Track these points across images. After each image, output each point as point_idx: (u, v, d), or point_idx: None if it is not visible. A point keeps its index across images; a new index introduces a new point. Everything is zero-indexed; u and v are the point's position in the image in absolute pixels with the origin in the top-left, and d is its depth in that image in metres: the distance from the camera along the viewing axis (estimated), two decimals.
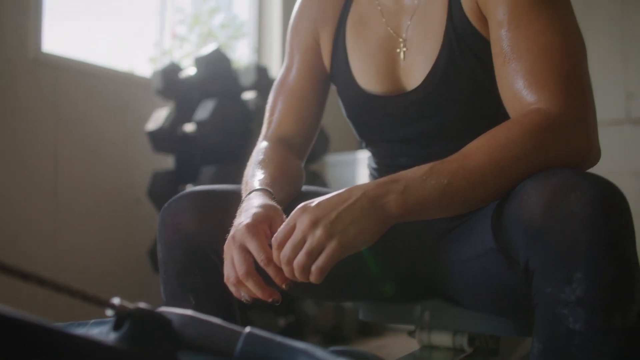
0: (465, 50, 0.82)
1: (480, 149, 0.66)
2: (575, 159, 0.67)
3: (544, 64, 0.70)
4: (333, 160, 3.11)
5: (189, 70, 2.32)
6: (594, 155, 0.69)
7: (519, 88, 0.71)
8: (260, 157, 0.88)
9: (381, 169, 0.99)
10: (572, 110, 0.67)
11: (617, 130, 3.08)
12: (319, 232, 0.61)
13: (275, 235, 0.65)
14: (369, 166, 1.04)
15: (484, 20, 0.79)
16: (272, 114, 0.98)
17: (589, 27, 3.17)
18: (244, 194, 0.79)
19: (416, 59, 0.87)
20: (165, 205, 0.85)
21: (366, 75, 0.92)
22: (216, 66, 2.23)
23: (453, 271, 0.84)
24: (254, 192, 0.76)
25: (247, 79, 2.32)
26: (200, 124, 2.11)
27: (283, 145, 0.93)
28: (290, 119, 0.96)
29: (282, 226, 0.65)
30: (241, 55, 3.53)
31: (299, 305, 2.26)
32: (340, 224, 0.61)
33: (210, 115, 2.09)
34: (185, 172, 2.27)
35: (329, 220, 0.61)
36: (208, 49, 2.30)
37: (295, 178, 0.90)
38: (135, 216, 2.45)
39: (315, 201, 0.65)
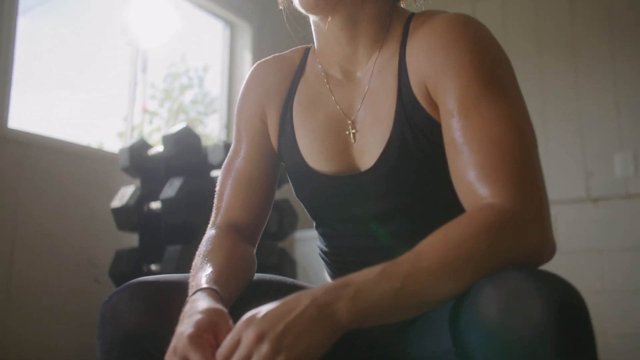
0: (416, 132, 0.81)
1: (434, 249, 0.64)
2: (531, 256, 0.66)
3: (495, 156, 0.69)
4: (302, 237, 3.08)
5: (157, 148, 2.31)
6: (549, 250, 0.68)
7: (472, 180, 0.70)
8: (209, 247, 0.85)
9: (332, 251, 0.96)
10: (526, 206, 0.67)
11: (578, 208, 3.16)
12: (265, 348, 0.57)
13: (219, 350, 0.61)
14: (319, 247, 1.01)
15: (434, 104, 0.79)
16: (220, 200, 0.96)
17: (547, 108, 3.32)
18: (190, 290, 0.76)
19: (368, 139, 0.86)
20: (107, 298, 0.80)
21: (316, 155, 0.91)
22: (184, 144, 2.23)
23: None
24: (198, 293, 0.73)
25: (216, 156, 2.32)
26: (166, 202, 2.08)
27: (233, 232, 0.90)
28: (240, 204, 0.94)
29: (226, 340, 0.61)
30: (212, 130, 3.56)
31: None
32: (288, 337, 0.58)
33: (177, 193, 2.07)
34: (150, 251, 2.22)
35: (275, 334, 0.58)
36: (177, 126, 2.31)
37: (245, 268, 0.86)
38: (94, 297, 2.35)
39: (261, 311, 0.61)
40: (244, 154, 0.97)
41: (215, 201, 0.97)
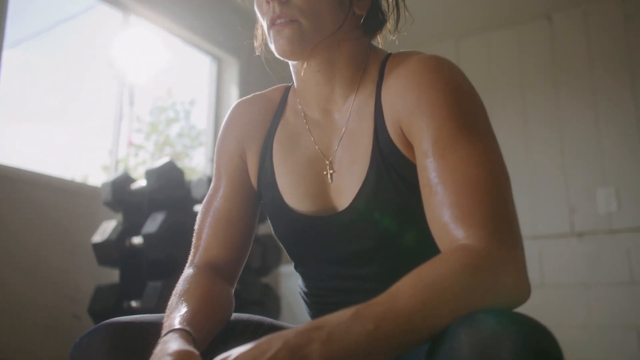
0: (392, 173, 0.82)
1: (408, 290, 0.63)
2: (506, 297, 0.65)
3: (470, 197, 0.69)
4: (287, 272, 3.06)
5: (140, 182, 2.29)
6: (525, 292, 0.67)
7: (446, 221, 0.70)
8: (185, 286, 0.84)
9: (310, 291, 0.95)
10: (501, 247, 0.66)
11: (563, 243, 3.16)
12: None
13: None
14: (300, 287, 1.00)
15: (409, 145, 0.80)
16: (198, 239, 0.94)
17: (531, 143, 3.36)
18: (162, 331, 0.74)
19: (345, 180, 0.86)
20: (77, 340, 0.78)
21: (294, 195, 0.91)
22: (167, 178, 2.21)
23: None
24: (170, 334, 0.71)
25: (200, 190, 2.31)
26: (148, 237, 2.06)
27: (210, 272, 0.89)
28: (218, 243, 0.93)
29: None
30: (199, 163, 3.55)
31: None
32: None
33: (159, 228, 2.05)
34: (131, 287, 2.18)
35: None
36: (160, 160, 2.30)
37: (222, 308, 0.85)
38: (72, 334, 2.29)
39: (233, 354, 0.60)
40: (223, 192, 0.96)
41: (193, 239, 0.96)
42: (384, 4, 0.89)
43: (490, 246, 0.66)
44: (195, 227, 0.97)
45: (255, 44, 0.99)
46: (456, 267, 0.64)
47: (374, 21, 0.90)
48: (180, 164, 3.61)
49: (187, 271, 0.90)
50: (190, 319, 0.75)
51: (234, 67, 3.43)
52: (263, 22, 0.86)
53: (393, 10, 0.89)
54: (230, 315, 0.88)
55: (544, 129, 3.35)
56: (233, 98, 3.37)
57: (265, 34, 0.87)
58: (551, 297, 3.10)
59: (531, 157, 3.34)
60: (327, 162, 0.89)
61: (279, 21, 0.81)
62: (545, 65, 3.41)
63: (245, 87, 3.33)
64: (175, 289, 0.86)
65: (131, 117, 3.13)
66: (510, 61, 3.51)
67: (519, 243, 0.69)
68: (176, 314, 0.76)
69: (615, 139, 3.15)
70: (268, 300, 2.51)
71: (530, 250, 3.22)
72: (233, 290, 0.93)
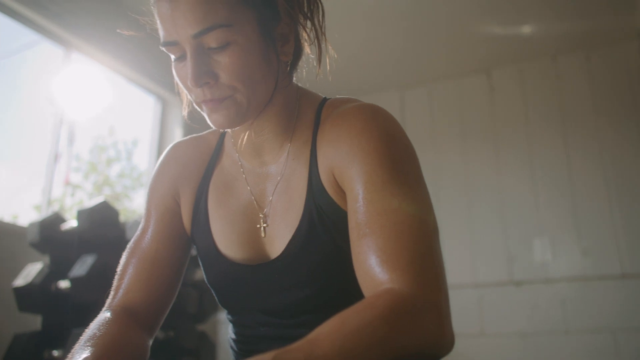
0: (325, 221, 0.81)
1: (330, 336, 0.60)
2: (428, 344, 0.64)
3: (396, 242, 0.69)
4: (225, 319, 2.95)
5: (71, 222, 2.19)
6: (448, 342, 0.66)
7: (372, 265, 0.69)
8: (94, 332, 0.78)
9: (240, 339, 0.92)
10: (425, 293, 0.66)
11: (502, 291, 3.21)
12: None
13: None
14: (229, 336, 0.96)
15: (341, 193, 0.80)
16: (120, 280, 0.89)
17: (471, 193, 3.44)
18: None
19: (279, 228, 0.85)
20: None
21: (228, 242, 0.89)
22: (101, 219, 2.12)
23: None
24: None
25: (135, 232, 2.22)
26: (75, 281, 1.95)
27: (127, 317, 0.84)
28: (141, 287, 0.88)
29: None
30: (139, 205, 3.45)
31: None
32: None
33: (88, 271, 1.94)
34: (54, 334, 2.04)
35: None
36: (94, 200, 2.21)
37: (131, 358, 0.80)
38: None
39: None
40: (152, 233, 0.92)
41: (115, 280, 0.91)
42: (305, 45, 0.88)
43: (415, 290, 0.65)
44: (119, 268, 0.92)
45: (183, 106, 0.96)
46: (380, 312, 0.62)
47: (298, 63, 0.89)
48: (119, 205, 3.49)
49: (101, 315, 0.84)
50: None
51: (178, 108, 3.39)
52: (189, 94, 0.81)
53: (313, 42, 0.87)
54: None
55: (483, 179, 3.45)
56: (177, 139, 3.31)
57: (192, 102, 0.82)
58: (490, 346, 3.12)
59: (472, 207, 3.42)
60: (261, 215, 0.88)
61: (211, 100, 0.78)
62: (484, 118, 3.54)
63: (189, 129, 3.30)
64: (84, 334, 0.80)
65: (70, 156, 3.03)
66: (452, 113, 3.63)
67: (443, 291, 0.68)
68: None
69: (550, 191, 3.27)
70: (203, 349, 2.40)
71: (471, 298, 3.25)
72: (151, 340, 0.88)
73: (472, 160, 3.50)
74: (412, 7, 2.86)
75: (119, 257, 2.26)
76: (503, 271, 3.24)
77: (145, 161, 3.42)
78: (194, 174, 0.95)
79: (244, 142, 0.90)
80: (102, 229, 2.13)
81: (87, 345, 0.75)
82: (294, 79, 0.90)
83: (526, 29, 3.15)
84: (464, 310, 3.18)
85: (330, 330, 0.61)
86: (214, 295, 0.93)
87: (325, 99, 0.91)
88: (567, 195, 3.23)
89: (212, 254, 0.90)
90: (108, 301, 0.89)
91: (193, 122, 0.86)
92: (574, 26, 3.10)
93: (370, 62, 3.42)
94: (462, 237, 3.36)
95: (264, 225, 0.87)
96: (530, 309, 3.12)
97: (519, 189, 3.35)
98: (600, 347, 2.93)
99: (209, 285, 0.93)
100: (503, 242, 3.29)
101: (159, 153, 3.38)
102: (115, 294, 0.89)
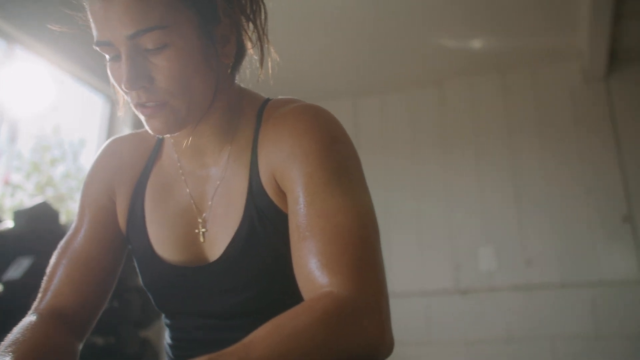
0: (265, 224, 0.80)
1: (266, 339, 0.58)
2: (368, 348, 0.63)
3: (336, 245, 0.68)
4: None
5: (6, 224, 2.10)
6: (387, 347, 0.66)
7: (312, 268, 0.68)
8: (17, 336, 0.74)
9: (175, 344, 0.90)
10: (365, 296, 0.65)
11: (448, 300, 3.27)
12: None
13: None
14: (165, 341, 0.94)
15: (282, 195, 0.79)
16: (49, 282, 0.86)
17: (421, 203, 3.50)
18: None
19: (218, 231, 0.83)
20: None
21: (165, 244, 0.86)
22: (39, 220, 2.04)
23: None
24: None
25: None
26: (9, 284, 1.86)
27: (55, 321, 0.80)
28: (71, 289, 0.84)
29: None
30: None
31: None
32: None
33: (23, 274, 1.86)
34: None
35: None
36: (33, 201, 2.13)
37: None
38: None
39: None
40: (84, 232, 0.89)
41: (43, 283, 0.87)
42: (247, 44, 0.87)
43: (355, 293, 0.64)
44: (48, 268, 0.88)
45: (119, 106, 0.93)
46: (319, 315, 0.61)
47: (241, 64, 0.87)
48: (63, 207, 3.37)
49: (27, 318, 0.80)
50: None
51: (127, 107, 3.31)
52: (125, 96, 0.78)
53: (256, 44, 0.86)
54: None
55: (432, 188, 3.51)
56: None
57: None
58: (436, 355, 3.16)
59: (421, 215, 3.47)
60: (199, 220, 0.86)
61: (147, 104, 0.75)
62: (435, 129, 3.61)
63: (138, 129, 3.22)
64: (6, 338, 0.76)
65: (11, 155, 2.90)
66: (404, 122, 3.68)
67: (384, 294, 0.68)
68: None
69: (496, 201, 3.36)
70: (146, 356, 2.34)
71: (418, 306, 3.29)
72: (81, 345, 0.85)
73: (422, 169, 3.56)
74: (368, 18, 2.89)
75: None
76: (450, 280, 3.30)
77: (91, 162, 3.32)
78: (131, 172, 0.92)
79: (184, 144, 0.87)
80: (41, 231, 2.05)
81: (9, 351, 0.71)
82: (237, 79, 0.89)
83: (477, 44, 3.23)
84: (411, 318, 3.22)
85: (266, 333, 0.60)
86: (150, 297, 0.91)
87: (267, 100, 0.89)
88: (512, 205, 3.32)
89: (148, 256, 0.87)
90: (35, 304, 0.85)
91: (141, 122, 0.84)
92: (522, 43, 3.20)
93: (326, 69, 3.43)
94: (410, 245, 3.41)
95: (203, 230, 0.85)
96: (475, 317, 3.19)
97: (466, 198, 3.42)
98: (539, 353, 3.02)
99: (144, 288, 0.90)
100: (450, 251, 3.36)
101: None
102: (43, 296, 0.85)
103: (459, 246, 3.35)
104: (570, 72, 3.39)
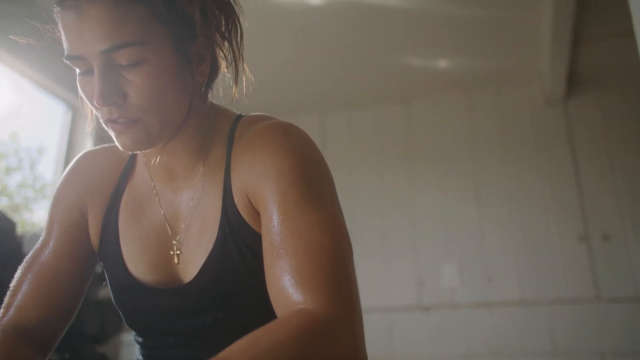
0: (239, 244, 0.79)
1: (239, 355, 0.57)
2: None
3: (310, 262, 0.68)
4: (129, 340, 2.80)
5: None
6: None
7: (285, 285, 0.68)
8: None
9: None
10: (338, 313, 0.65)
11: (411, 316, 3.29)
12: None
13: None
14: (135, 357, 0.92)
15: (255, 214, 0.78)
16: (13, 297, 0.83)
17: (386, 218, 3.52)
18: None
19: (193, 251, 0.83)
20: None
21: (138, 263, 0.85)
22: None
23: None
24: None
25: (33, 246, 2.07)
26: None
27: (18, 337, 0.78)
28: (36, 304, 0.82)
29: None
30: (41, 218, 3.23)
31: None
32: None
33: None
34: None
35: None
36: None
37: None
38: None
39: None
40: (53, 247, 0.87)
41: (6, 297, 0.84)
42: (221, 63, 0.85)
43: (329, 311, 0.64)
44: (12, 283, 0.85)
45: (88, 121, 0.91)
46: (293, 332, 0.60)
47: (214, 81, 0.86)
48: (17, 217, 3.25)
49: None
50: None
51: (96, 122, 3.23)
52: (95, 111, 0.76)
53: (231, 63, 0.85)
54: None
55: (397, 204, 3.54)
56: (87, 149, 3.15)
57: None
58: None
59: (385, 231, 3.49)
60: (174, 242, 0.84)
61: (118, 120, 0.73)
62: (401, 146, 3.65)
63: (100, 139, 3.14)
64: None
65: None
66: (371, 139, 3.72)
67: (357, 310, 0.68)
68: None
69: (459, 219, 3.41)
70: None
71: (381, 322, 3.30)
72: None
73: (388, 185, 3.59)
74: (337, 35, 2.92)
75: (14, 272, 2.10)
76: (412, 296, 3.33)
77: (50, 171, 3.22)
78: (104, 188, 0.90)
79: (155, 163, 0.86)
80: None
81: None
82: (209, 96, 0.88)
83: (443, 64, 3.30)
84: (374, 334, 3.22)
85: (239, 349, 0.59)
86: (122, 316, 0.89)
87: (239, 116, 0.89)
88: (475, 222, 3.38)
89: (121, 275, 0.86)
90: None
91: (105, 132, 0.81)
92: (486, 64, 3.29)
93: (294, 83, 3.44)
94: (375, 261, 3.42)
95: (178, 252, 0.84)
96: (437, 333, 3.21)
97: (430, 215, 3.46)
98: None
99: (116, 306, 0.88)
100: (413, 267, 3.39)
101: (67, 163, 3.19)
102: (6, 311, 0.82)
103: (422, 262, 3.38)
104: (532, 94, 3.50)
